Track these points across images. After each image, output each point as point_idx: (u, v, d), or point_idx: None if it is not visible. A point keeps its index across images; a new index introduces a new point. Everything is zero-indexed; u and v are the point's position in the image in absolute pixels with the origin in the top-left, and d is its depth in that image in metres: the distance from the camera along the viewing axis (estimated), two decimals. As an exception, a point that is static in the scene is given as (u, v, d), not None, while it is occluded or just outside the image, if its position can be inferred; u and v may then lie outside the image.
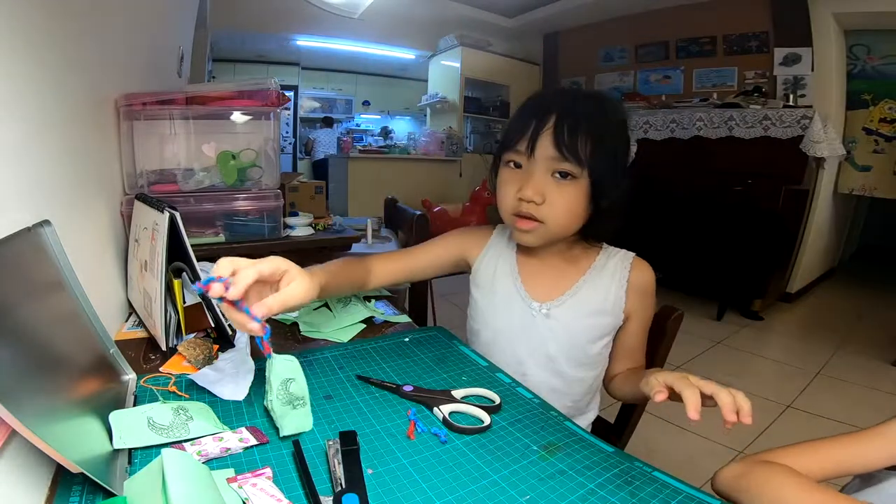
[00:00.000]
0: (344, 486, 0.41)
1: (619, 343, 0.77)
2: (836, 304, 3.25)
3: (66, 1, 0.63)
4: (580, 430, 0.55)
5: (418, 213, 1.44)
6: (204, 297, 0.66)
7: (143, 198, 0.75)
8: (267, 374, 0.51)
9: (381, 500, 0.42)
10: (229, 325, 0.70)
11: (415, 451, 0.49)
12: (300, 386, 0.51)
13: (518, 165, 0.68)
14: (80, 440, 0.39)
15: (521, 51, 5.30)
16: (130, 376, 0.57)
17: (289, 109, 6.15)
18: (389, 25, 4.74)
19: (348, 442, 0.47)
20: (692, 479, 0.48)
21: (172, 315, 0.69)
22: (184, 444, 0.46)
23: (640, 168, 3.23)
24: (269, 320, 0.79)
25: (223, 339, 0.71)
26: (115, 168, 0.91)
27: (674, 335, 0.81)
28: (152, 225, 0.67)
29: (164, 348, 0.66)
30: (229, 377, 0.58)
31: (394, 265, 0.80)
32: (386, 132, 6.67)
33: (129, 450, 0.44)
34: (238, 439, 0.47)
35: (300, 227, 1.31)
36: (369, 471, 0.45)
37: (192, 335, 0.72)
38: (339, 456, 0.45)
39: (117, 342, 0.60)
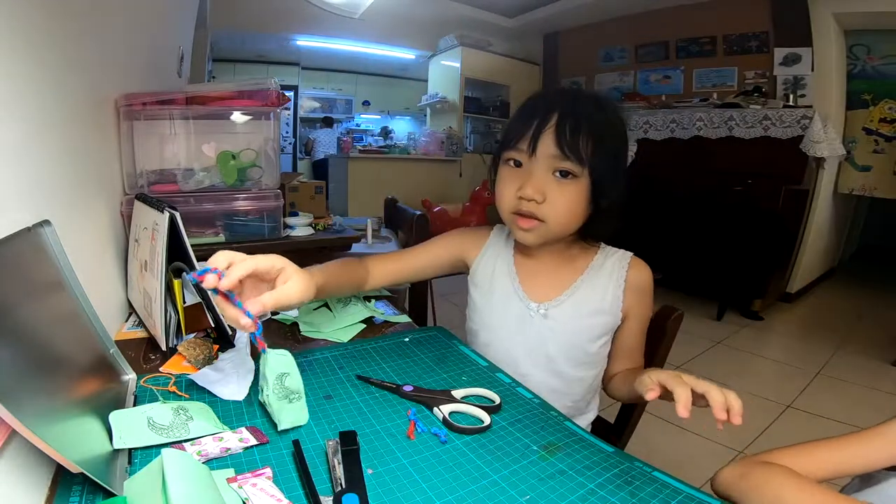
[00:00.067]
0: (344, 486, 0.41)
1: (617, 343, 0.77)
2: (836, 304, 3.25)
3: (66, 1, 0.63)
4: (580, 430, 0.55)
5: (418, 213, 1.44)
6: (199, 289, 0.66)
7: (143, 198, 0.75)
8: (262, 369, 0.52)
9: (381, 500, 0.42)
10: (229, 326, 0.70)
11: (415, 451, 0.49)
12: (295, 380, 0.51)
13: (518, 164, 0.68)
14: (80, 440, 0.39)
15: (521, 51, 5.30)
16: (130, 376, 0.57)
17: (289, 109, 6.15)
18: (389, 25, 4.74)
19: (348, 442, 0.47)
20: (692, 479, 0.48)
21: (172, 315, 0.69)
22: (184, 444, 0.46)
23: (640, 168, 3.23)
24: (270, 321, 0.81)
25: (223, 339, 0.71)
26: (115, 168, 0.91)
27: (674, 335, 0.81)
28: (152, 225, 0.67)
29: (164, 348, 0.66)
30: (229, 377, 0.58)
31: (393, 265, 0.80)
32: (386, 132, 6.67)
33: (129, 450, 0.44)
34: (238, 439, 0.47)
35: (300, 227, 1.31)
36: (369, 471, 0.45)
37: (192, 335, 0.72)
38: (339, 456, 0.45)
39: (117, 342, 0.60)
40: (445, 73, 5.29)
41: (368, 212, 3.10)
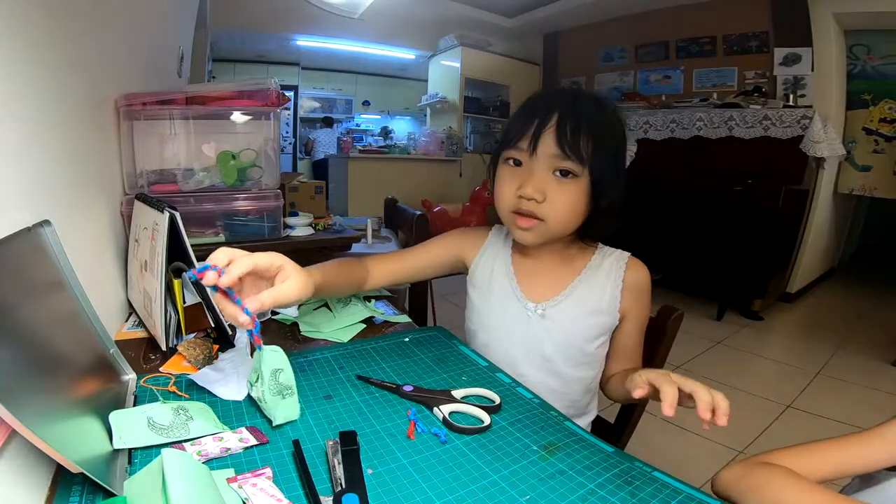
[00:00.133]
0: (344, 486, 0.41)
1: (615, 344, 0.77)
2: (836, 304, 3.25)
3: (66, 1, 0.63)
4: (580, 430, 0.55)
5: (418, 213, 1.44)
6: (199, 287, 0.66)
7: (143, 198, 0.75)
8: (257, 365, 0.52)
9: (381, 500, 0.42)
10: (229, 325, 0.70)
11: (415, 451, 0.49)
12: (288, 375, 0.52)
13: (518, 163, 0.68)
14: (80, 440, 0.39)
15: (521, 51, 5.30)
16: (130, 376, 0.57)
17: (289, 109, 6.15)
18: (389, 25, 4.74)
19: (348, 442, 0.47)
20: (692, 479, 0.48)
21: (172, 315, 0.69)
22: (184, 444, 0.46)
23: (640, 168, 3.23)
24: (270, 321, 0.81)
25: (223, 339, 0.71)
26: (115, 168, 0.91)
27: (674, 335, 0.81)
28: (152, 225, 0.67)
29: (164, 348, 0.66)
30: (229, 377, 0.58)
31: (392, 265, 0.80)
32: (386, 132, 6.67)
33: (129, 450, 0.44)
34: (238, 439, 0.47)
35: (300, 227, 1.31)
36: (369, 471, 0.45)
37: (192, 335, 0.72)
38: (339, 456, 0.45)
39: (117, 342, 0.60)
40: (445, 73, 5.29)
41: (368, 212, 3.10)
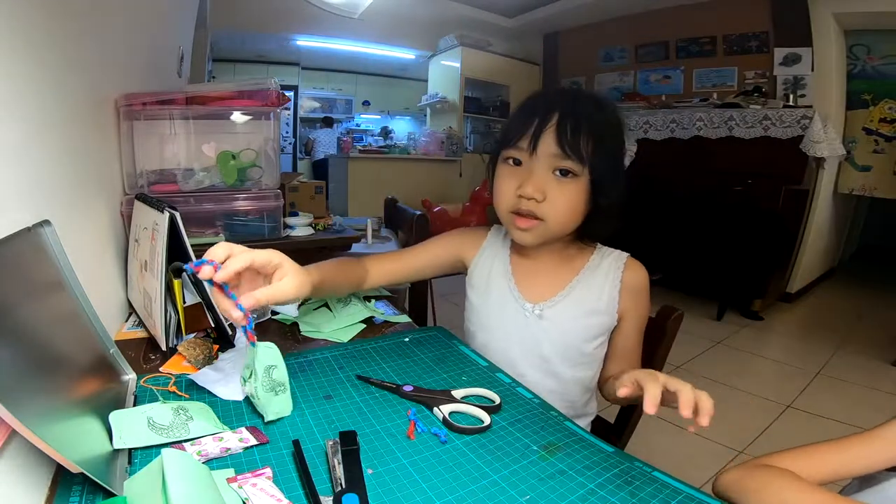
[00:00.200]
0: (344, 486, 0.41)
1: (613, 344, 0.76)
2: (836, 304, 3.25)
3: (66, 1, 0.63)
4: (580, 430, 0.55)
5: (418, 213, 1.44)
6: (197, 284, 0.67)
7: (143, 198, 0.75)
8: (250, 361, 0.53)
9: (381, 500, 0.42)
10: (229, 325, 0.70)
11: (415, 451, 0.49)
12: (281, 372, 0.53)
13: (518, 163, 0.68)
14: (80, 440, 0.39)
15: (521, 51, 5.30)
16: (130, 376, 0.57)
17: (289, 109, 6.15)
18: (389, 25, 4.74)
19: (348, 442, 0.47)
20: (692, 479, 0.48)
21: (172, 315, 0.69)
22: (184, 444, 0.46)
23: (640, 168, 3.23)
24: (270, 321, 0.80)
25: (223, 339, 0.71)
26: (115, 168, 0.91)
27: (674, 335, 0.81)
28: (152, 225, 0.67)
29: (164, 348, 0.66)
30: (229, 377, 0.58)
31: (391, 265, 0.80)
32: (386, 132, 6.67)
33: (129, 450, 0.44)
34: (238, 439, 0.47)
35: (300, 227, 1.31)
36: (369, 471, 0.45)
37: (192, 335, 0.72)
38: (339, 456, 0.45)
39: (117, 342, 0.60)
40: (445, 73, 5.29)
41: (368, 212, 3.10)
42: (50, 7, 0.57)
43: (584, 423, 0.79)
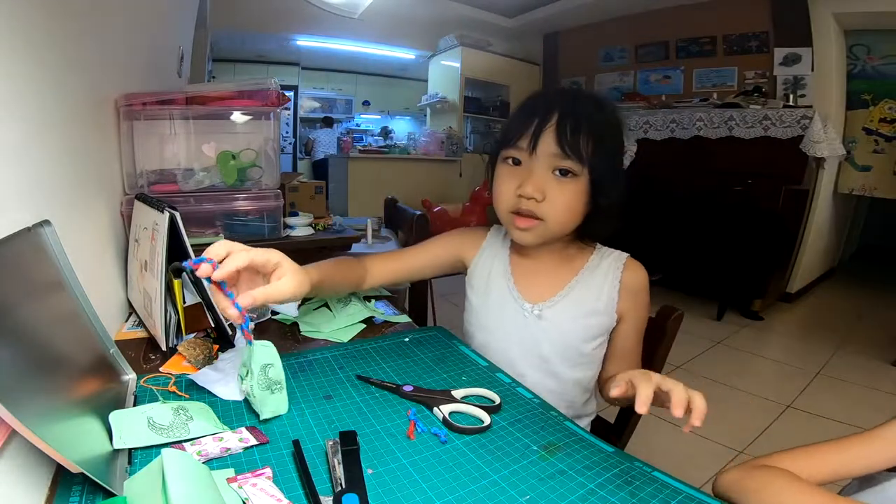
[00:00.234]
0: (344, 486, 0.41)
1: (613, 345, 0.76)
2: (836, 304, 3.25)
3: (66, 1, 0.63)
4: (580, 430, 0.55)
5: (418, 213, 1.44)
6: (195, 282, 0.67)
7: (143, 198, 0.75)
8: (247, 360, 0.53)
9: (381, 500, 0.42)
10: (229, 325, 0.70)
11: (415, 451, 0.49)
12: (277, 370, 0.53)
13: (517, 162, 0.68)
14: (80, 440, 0.39)
15: (521, 51, 5.30)
16: (130, 376, 0.57)
17: (289, 109, 6.15)
18: (389, 25, 4.74)
19: (348, 442, 0.47)
20: (692, 479, 0.48)
21: (172, 315, 0.69)
22: (184, 444, 0.46)
23: (640, 168, 3.23)
24: (270, 321, 0.80)
25: (223, 339, 0.71)
26: (115, 168, 0.91)
27: (674, 335, 0.81)
28: (152, 225, 0.67)
29: (164, 348, 0.66)
30: (229, 377, 0.58)
31: (391, 265, 0.80)
32: (386, 132, 6.67)
33: (129, 450, 0.44)
34: (238, 439, 0.47)
35: (300, 227, 1.31)
36: (369, 471, 0.45)
37: (192, 335, 0.72)
38: (339, 456, 0.45)
39: (117, 342, 0.60)
40: (445, 73, 5.29)
41: (368, 212, 3.10)
42: (50, 7, 0.57)
43: (584, 423, 0.79)
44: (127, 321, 0.79)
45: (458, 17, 4.60)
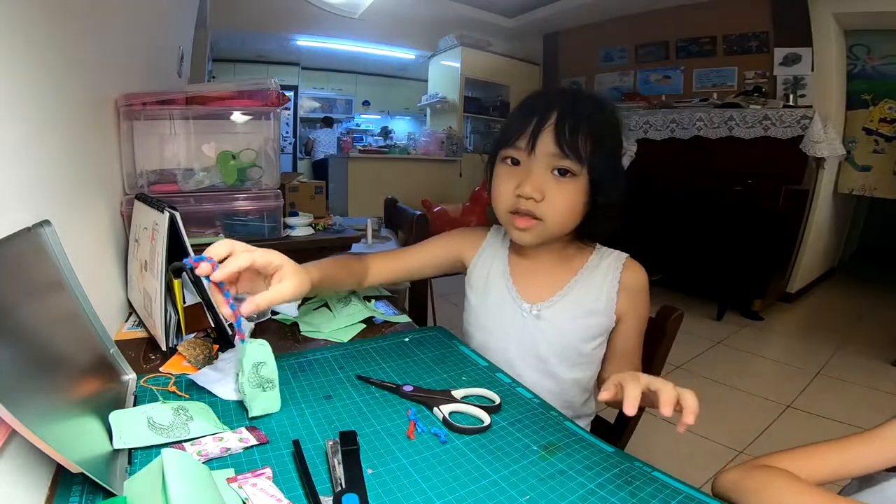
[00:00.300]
0: (344, 486, 0.41)
1: (612, 346, 0.76)
2: (836, 304, 3.25)
3: (66, 1, 0.63)
4: (580, 430, 0.55)
5: (418, 213, 1.44)
6: (195, 281, 0.67)
7: (143, 198, 0.75)
8: (239, 357, 0.53)
9: (381, 500, 0.42)
10: (229, 325, 0.70)
11: (415, 451, 0.49)
12: (270, 369, 0.53)
13: (516, 162, 0.68)
14: (80, 440, 0.39)
15: (521, 51, 5.30)
16: (130, 376, 0.57)
17: (289, 109, 6.15)
18: (389, 25, 4.74)
19: (348, 442, 0.47)
20: (692, 479, 0.48)
21: (172, 315, 0.69)
22: (184, 444, 0.46)
23: (640, 168, 3.23)
24: (270, 321, 0.81)
25: (223, 339, 0.71)
26: (115, 168, 0.91)
27: (674, 335, 0.81)
28: (152, 225, 0.67)
29: (164, 348, 0.66)
30: (229, 377, 0.58)
31: (391, 264, 0.80)
32: (386, 132, 6.67)
33: (129, 450, 0.44)
34: (238, 439, 0.47)
35: (300, 227, 1.31)
36: (369, 471, 0.45)
37: (192, 335, 0.72)
38: (339, 456, 0.45)
39: (117, 342, 0.60)
40: (445, 73, 5.29)
41: (368, 212, 3.10)
42: (50, 7, 0.57)
43: (583, 423, 0.79)
44: (127, 321, 0.79)
45: (458, 17, 4.60)
